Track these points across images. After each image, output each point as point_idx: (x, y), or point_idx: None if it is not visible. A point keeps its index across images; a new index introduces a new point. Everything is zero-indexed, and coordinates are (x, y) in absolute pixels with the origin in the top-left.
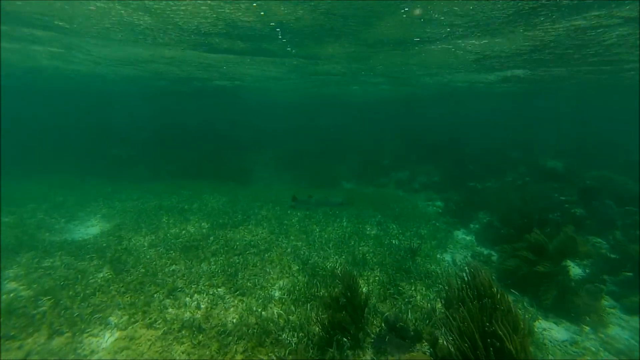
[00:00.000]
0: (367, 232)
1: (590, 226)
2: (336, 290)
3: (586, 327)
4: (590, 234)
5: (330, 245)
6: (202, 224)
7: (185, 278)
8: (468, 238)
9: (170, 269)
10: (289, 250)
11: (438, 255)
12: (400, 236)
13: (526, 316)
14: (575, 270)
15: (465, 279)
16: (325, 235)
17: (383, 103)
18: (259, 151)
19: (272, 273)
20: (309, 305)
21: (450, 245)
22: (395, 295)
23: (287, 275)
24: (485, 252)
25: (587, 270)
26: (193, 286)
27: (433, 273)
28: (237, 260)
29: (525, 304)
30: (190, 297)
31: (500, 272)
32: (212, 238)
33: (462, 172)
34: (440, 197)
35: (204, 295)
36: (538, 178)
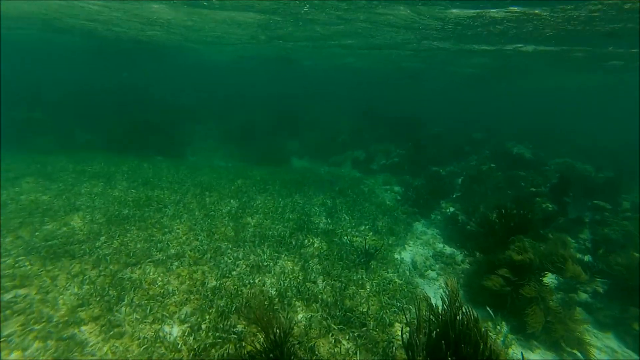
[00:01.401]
0: (315, 226)
1: (561, 224)
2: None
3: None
4: (560, 230)
5: (266, 247)
6: (96, 215)
7: (29, 312)
8: (429, 232)
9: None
10: (207, 256)
11: (396, 255)
12: (354, 231)
13: None
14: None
15: (441, 310)
16: (262, 232)
17: (342, 74)
18: (200, 121)
19: (175, 294)
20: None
21: (410, 241)
22: (342, 326)
23: (196, 297)
24: (448, 250)
25: (559, 278)
26: (37, 327)
27: (391, 285)
28: (129, 276)
29: (503, 328)
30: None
31: (468, 278)
32: (103, 238)
33: (424, 154)
34: (399, 180)
35: (52, 343)
36: (504, 164)
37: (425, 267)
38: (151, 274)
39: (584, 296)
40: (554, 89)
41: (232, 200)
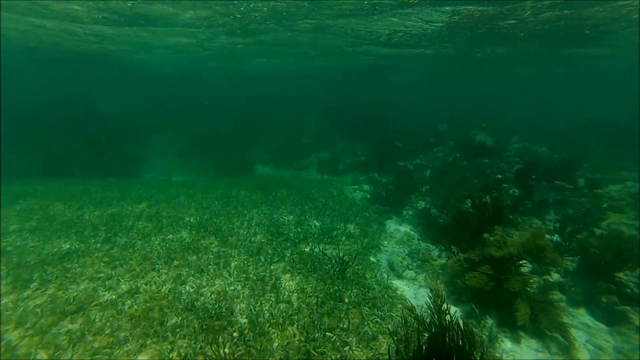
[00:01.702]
0: (284, 238)
1: (528, 207)
2: None
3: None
4: (527, 214)
5: (232, 267)
6: (26, 257)
7: None
8: (402, 229)
9: None
10: (166, 287)
11: (372, 258)
12: (326, 238)
13: None
14: None
15: (428, 320)
16: (226, 251)
17: (303, 75)
18: (156, 135)
19: (128, 342)
20: None
21: (385, 241)
22: (322, 349)
23: (153, 341)
24: (424, 246)
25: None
26: None
27: (370, 293)
28: (66, 329)
29: (488, 322)
30: None
31: (448, 275)
32: (34, 285)
33: (390, 149)
34: (368, 178)
35: None
36: (468, 153)
37: (403, 267)
38: (97, 320)
39: (556, 276)
40: (511, 77)
41: (192, 219)
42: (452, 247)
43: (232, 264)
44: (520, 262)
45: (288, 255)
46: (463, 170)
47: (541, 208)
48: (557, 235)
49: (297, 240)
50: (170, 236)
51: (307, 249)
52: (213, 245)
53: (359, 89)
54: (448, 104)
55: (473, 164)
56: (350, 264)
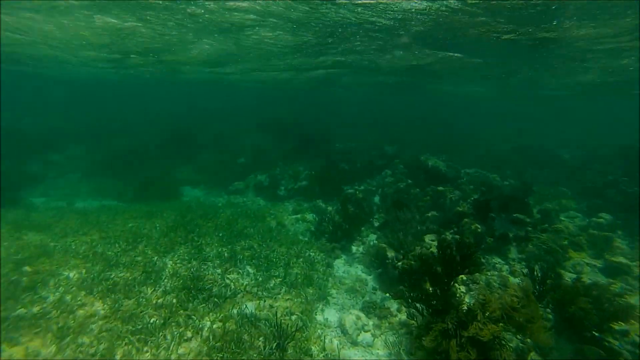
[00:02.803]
0: (206, 295)
1: (490, 244)
2: None
3: None
4: (489, 252)
5: (120, 354)
6: None
7: None
8: (353, 271)
9: None
10: None
11: (319, 317)
12: (261, 292)
13: None
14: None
15: None
16: (115, 326)
17: (244, 86)
18: (59, 150)
19: None
20: None
21: (333, 289)
22: None
23: None
24: (379, 297)
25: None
26: None
27: None
28: None
29: None
30: None
31: (412, 341)
32: None
33: (335, 173)
34: (312, 206)
35: None
36: (421, 179)
37: (357, 328)
38: None
39: None
40: (455, 96)
41: (74, 273)
42: (415, 301)
43: (123, 345)
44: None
45: (207, 325)
46: (417, 200)
47: (502, 245)
48: (527, 278)
49: (222, 299)
50: (38, 298)
51: (235, 311)
52: (95, 318)
53: (302, 104)
54: (395, 123)
55: (426, 192)
56: (292, 333)
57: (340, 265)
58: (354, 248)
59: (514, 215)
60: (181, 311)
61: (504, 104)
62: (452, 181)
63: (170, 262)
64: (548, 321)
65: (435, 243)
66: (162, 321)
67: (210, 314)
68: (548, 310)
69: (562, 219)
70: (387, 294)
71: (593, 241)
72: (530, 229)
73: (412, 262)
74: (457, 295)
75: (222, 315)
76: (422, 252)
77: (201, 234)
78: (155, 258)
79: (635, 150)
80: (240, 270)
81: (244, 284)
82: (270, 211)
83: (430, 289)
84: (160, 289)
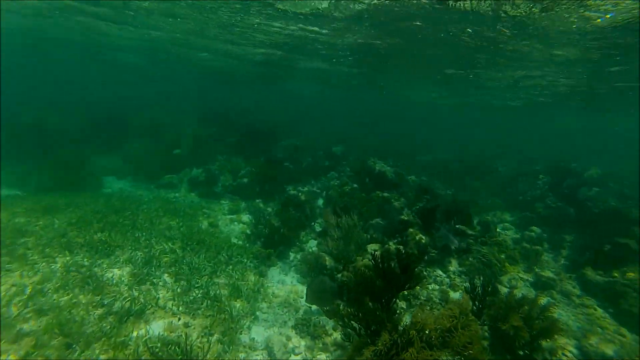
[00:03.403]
0: (105, 311)
1: (432, 256)
2: None
3: None
4: (431, 264)
5: None
6: None
7: None
8: (289, 281)
9: None
10: None
11: (244, 337)
12: (178, 306)
13: None
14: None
15: None
16: None
17: (189, 69)
18: None
19: None
20: None
21: (264, 303)
22: None
23: None
24: (314, 311)
25: None
26: None
27: None
28: None
29: None
30: None
31: None
32: None
33: (279, 171)
34: (250, 207)
35: None
36: (367, 184)
37: (287, 351)
38: None
39: None
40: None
41: None
42: (352, 319)
43: None
44: None
45: (94, 356)
46: (362, 205)
47: (444, 257)
48: (468, 293)
49: (123, 318)
50: None
51: (136, 334)
52: None
53: (248, 96)
54: (345, 123)
55: (372, 197)
56: None
57: (275, 274)
58: (291, 255)
59: (457, 226)
60: (60, 338)
61: (455, 111)
62: (398, 187)
63: (61, 269)
64: (485, 339)
65: (379, 253)
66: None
67: (103, 339)
68: (485, 327)
69: (499, 230)
70: (324, 308)
71: (525, 254)
72: (472, 241)
73: (352, 275)
74: (398, 311)
75: (119, 340)
76: (363, 263)
77: (113, 233)
78: (42, 264)
79: (560, 167)
80: (155, 280)
81: (157, 297)
82: (204, 209)
83: (371, 304)
84: (33, 307)
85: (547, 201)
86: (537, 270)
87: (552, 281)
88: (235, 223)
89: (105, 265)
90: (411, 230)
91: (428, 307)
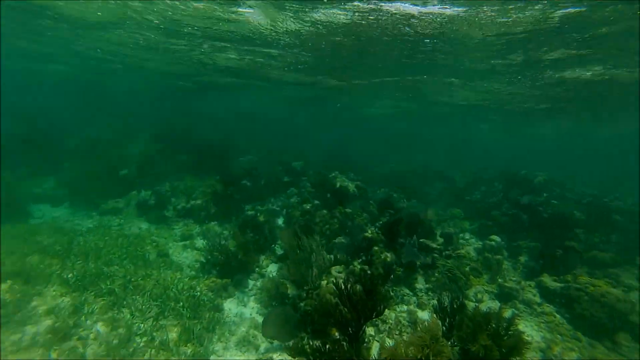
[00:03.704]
0: None
1: (398, 274)
2: None
3: None
4: (398, 283)
5: None
6: None
7: None
8: (247, 313)
9: None
10: None
11: None
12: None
13: None
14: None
15: None
16: None
17: (130, 88)
18: None
19: None
20: None
21: (220, 343)
22: None
23: None
24: (277, 349)
25: None
26: None
27: None
28: None
29: None
30: None
31: None
32: None
33: (236, 190)
34: (205, 230)
35: None
36: (329, 199)
37: None
38: None
39: None
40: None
41: None
42: (317, 356)
43: None
44: None
45: None
46: (324, 223)
47: (410, 274)
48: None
49: None
50: None
51: None
52: None
53: (202, 111)
54: (305, 138)
55: (334, 214)
56: None
57: (232, 306)
58: (250, 282)
59: (421, 240)
60: None
61: (407, 124)
62: (360, 202)
63: None
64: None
65: (343, 275)
66: None
67: None
68: (456, 349)
69: (461, 241)
70: (286, 344)
71: (488, 265)
72: (436, 255)
73: (316, 302)
74: (367, 339)
75: None
76: (327, 289)
77: (35, 276)
78: None
79: (512, 175)
80: (84, 333)
81: (84, 355)
82: (152, 237)
83: (337, 334)
84: None
85: (502, 208)
86: (500, 280)
87: (514, 291)
88: (188, 250)
89: (12, 325)
90: (376, 248)
91: (397, 332)
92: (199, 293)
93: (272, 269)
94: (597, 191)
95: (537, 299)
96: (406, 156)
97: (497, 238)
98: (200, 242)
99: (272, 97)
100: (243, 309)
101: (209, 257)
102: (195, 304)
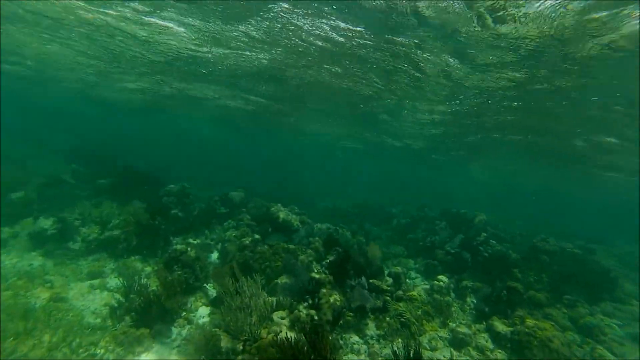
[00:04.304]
0: None
1: (348, 320)
2: None
3: None
4: (347, 329)
5: None
6: None
7: None
8: None
9: None
10: None
11: None
12: None
13: None
14: None
15: None
16: None
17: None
18: None
19: None
20: None
21: None
22: None
23: None
24: None
25: None
26: None
27: None
28: None
29: None
30: None
31: None
32: None
33: (164, 221)
34: (121, 267)
35: None
36: (270, 233)
37: None
38: None
39: None
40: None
41: None
42: None
43: None
44: None
45: None
46: (264, 260)
47: (360, 319)
48: None
49: None
50: None
51: None
52: None
53: (133, 132)
54: (244, 166)
55: (276, 250)
56: None
57: None
58: (175, 331)
59: (371, 280)
60: None
61: (349, 155)
62: (305, 237)
63: None
64: None
65: (287, 322)
66: None
67: None
68: None
69: (408, 281)
70: None
71: (438, 307)
72: (388, 297)
73: (255, 358)
74: None
75: None
76: (268, 340)
77: None
78: None
79: (453, 214)
80: None
81: None
82: (47, 276)
83: None
84: None
85: (446, 247)
86: (451, 324)
87: (467, 337)
88: (97, 291)
89: None
90: (324, 290)
91: None
92: (101, 351)
93: (202, 313)
94: (524, 231)
95: (490, 345)
96: (348, 190)
97: (444, 278)
98: (113, 282)
99: (215, 124)
100: None
101: (125, 300)
102: None
